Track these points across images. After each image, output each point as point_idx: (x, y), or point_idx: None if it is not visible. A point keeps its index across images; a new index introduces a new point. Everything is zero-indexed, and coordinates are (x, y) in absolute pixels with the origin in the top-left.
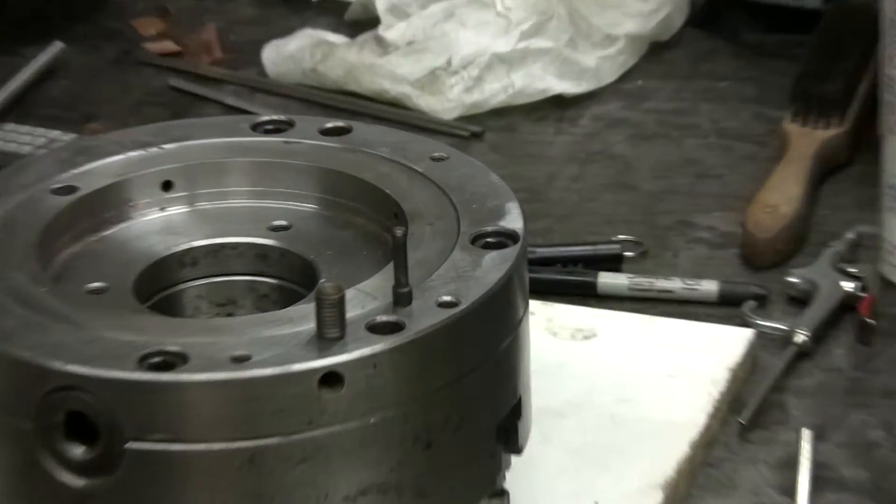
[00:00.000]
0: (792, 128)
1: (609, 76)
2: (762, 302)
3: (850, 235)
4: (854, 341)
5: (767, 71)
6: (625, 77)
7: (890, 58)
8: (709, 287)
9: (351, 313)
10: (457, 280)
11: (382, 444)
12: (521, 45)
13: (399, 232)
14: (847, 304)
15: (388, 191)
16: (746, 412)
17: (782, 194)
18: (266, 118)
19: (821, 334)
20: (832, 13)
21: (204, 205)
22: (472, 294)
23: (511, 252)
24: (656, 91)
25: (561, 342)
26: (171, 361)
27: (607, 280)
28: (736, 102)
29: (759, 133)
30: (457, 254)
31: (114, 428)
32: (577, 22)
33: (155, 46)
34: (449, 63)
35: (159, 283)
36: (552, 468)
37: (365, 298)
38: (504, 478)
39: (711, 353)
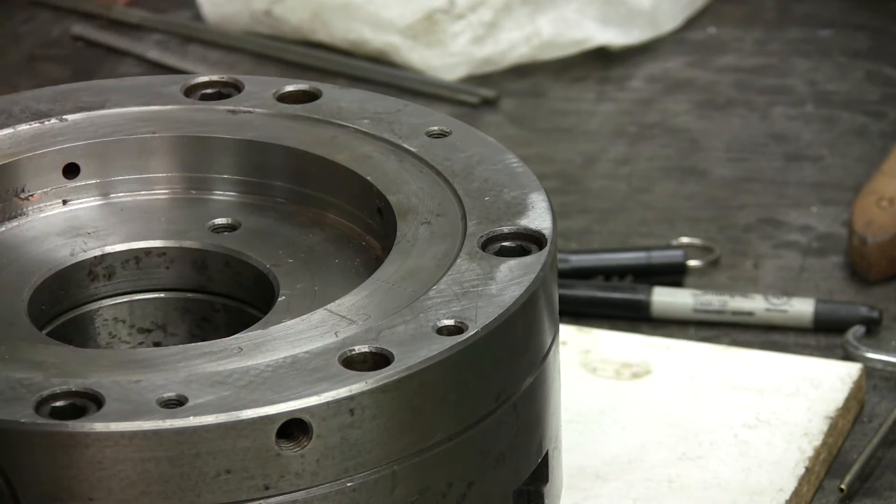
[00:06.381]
0: None
1: (670, 21)
2: (873, 328)
3: None
4: None
5: (886, 15)
6: (692, 23)
7: None
8: (802, 308)
9: (320, 342)
10: (462, 298)
11: None
12: None
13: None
14: None
15: (369, 178)
16: (850, 475)
17: None
18: (204, 79)
19: None
20: None
21: (121, 196)
22: (482, 317)
23: (535, 261)
24: (734, 42)
25: (603, 381)
26: (81, 405)
27: (665, 298)
28: (842, 58)
29: (872, 100)
30: (462, 263)
31: (5, 495)
32: None
33: None
34: (452, 3)
35: (62, 302)
36: None
37: (339, 322)
38: None
39: (804, 395)
